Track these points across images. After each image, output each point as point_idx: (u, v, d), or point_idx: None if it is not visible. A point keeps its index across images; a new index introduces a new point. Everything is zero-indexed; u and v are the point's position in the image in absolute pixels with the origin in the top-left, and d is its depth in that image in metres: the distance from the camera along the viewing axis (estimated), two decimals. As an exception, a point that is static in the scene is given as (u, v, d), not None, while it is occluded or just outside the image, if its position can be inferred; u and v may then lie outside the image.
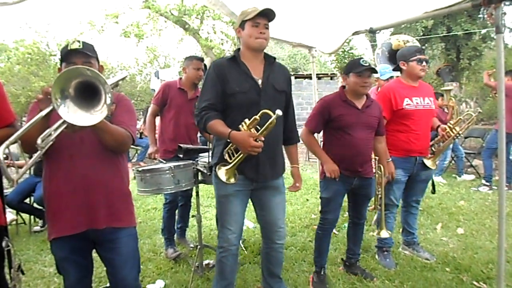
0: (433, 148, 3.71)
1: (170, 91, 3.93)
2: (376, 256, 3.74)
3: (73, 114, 1.70)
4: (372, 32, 4.49)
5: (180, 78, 4.04)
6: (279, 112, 2.23)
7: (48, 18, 26.68)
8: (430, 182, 3.99)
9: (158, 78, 11.37)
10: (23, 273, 2.37)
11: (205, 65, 4.04)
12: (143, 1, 13.91)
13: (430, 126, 3.61)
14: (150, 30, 14.70)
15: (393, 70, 4.02)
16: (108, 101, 1.71)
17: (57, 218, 2.07)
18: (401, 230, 3.98)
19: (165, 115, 3.99)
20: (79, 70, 1.72)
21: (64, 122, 1.73)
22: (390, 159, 3.42)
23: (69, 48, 2.02)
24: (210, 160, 2.77)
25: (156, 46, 17.47)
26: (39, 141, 1.73)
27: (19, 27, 15.90)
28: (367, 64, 2.99)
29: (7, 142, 1.70)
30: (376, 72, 3.17)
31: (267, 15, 2.49)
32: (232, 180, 2.46)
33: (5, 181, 2.23)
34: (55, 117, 1.74)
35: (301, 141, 3.10)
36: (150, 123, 4.13)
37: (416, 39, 6.08)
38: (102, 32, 14.22)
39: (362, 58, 3.13)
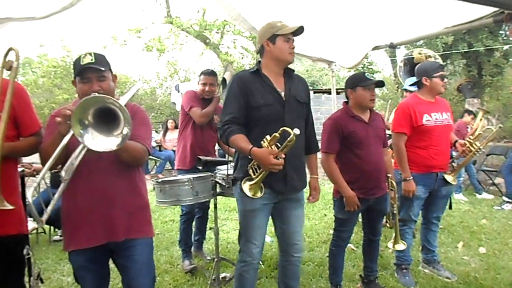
0: (453, 164, 3.65)
1: (197, 99, 3.96)
2: (395, 274, 3.67)
3: (96, 139, 1.75)
4: (392, 47, 4.48)
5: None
6: (296, 131, 2.19)
7: (70, 33, 27.22)
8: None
9: (178, 91, 11.49)
10: (42, 282, 2.41)
11: (224, 79, 4.05)
12: (165, 16, 14.19)
13: (449, 141, 3.57)
14: (172, 45, 14.93)
15: (412, 85, 3.97)
16: (128, 126, 1.75)
17: (76, 231, 2.09)
18: (420, 248, 3.91)
19: (186, 124, 4.01)
20: (94, 99, 1.75)
21: (84, 147, 1.80)
22: (411, 177, 3.38)
23: (81, 62, 2.03)
24: (232, 173, 2.75)
25: (177, 60, 17.73)
26: (62, 173, 1.83)
27: (41, 44, 16.36)
28: (373, 78, 3.00)
29: (37, 181, 1.83)
30: (382, 85, 3.18)
31: (298, 32, 2.54)
32: (259, 194, 2.41)
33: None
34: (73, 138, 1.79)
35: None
36: (204, 113, 3.87)
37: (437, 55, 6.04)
38: (124, 46, 14.52)
39: (365, 72, 3.15)
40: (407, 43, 5.04)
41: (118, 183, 2.09)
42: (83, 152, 1.86)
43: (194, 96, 3.96)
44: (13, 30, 3.40)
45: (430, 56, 5.38)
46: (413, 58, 5.46)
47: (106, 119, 1.77)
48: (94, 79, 2.02)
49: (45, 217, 1.90)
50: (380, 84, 3.11)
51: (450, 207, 4.18)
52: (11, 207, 1.94)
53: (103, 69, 2.04)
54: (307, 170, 2.80)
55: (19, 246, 2.16)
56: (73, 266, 2.18)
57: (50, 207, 1.89)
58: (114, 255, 2.21)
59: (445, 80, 3.45)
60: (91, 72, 2.02)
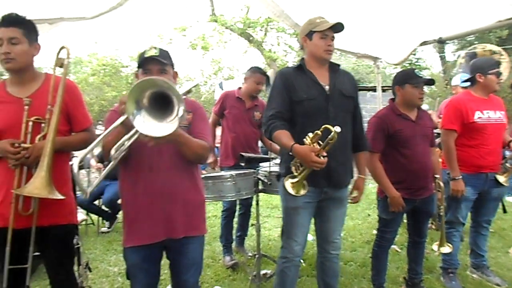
0: (506, 165, 3.46)
1: (228, 100, 4.01)
2: (441, 278, 3.54)
3: (148, 123, 1.71)
4: (441, 42, 4.32)
5: (240, 88, 4.10)
6: (337, 129, 2.15)
7: (118, 32, 28.23)
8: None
9: (222, 89, 11.62)
10: (90, 271, 2.51)
11: (267, 77, 4.07)
12: (210, 15, 14.38)
13: (502, 141, 3.40)
14: (216, 43, 15.12)
15: (465, 81, 3.79)
16: (181, 113, 1.69)
17: (135, 227, 2.11)
18: (469, 251, 3.75)
19: (224, 124, 4.08)
20: (153, 81, 1.72)
21: (136, 131, 1.78)
22: (460, 176, 3.25)
23: (145, 55, 2.06)
24: (272, 169, 2.75)
25: (221, 58, 17.93)
26: (112, 151, 1.84)
27: (95, 42, 17.23)
28: (422, 76, 2.90)
29: (85, 151, 1.90)
30: (433, 83, 3.07)
31: (337, 28, 2.49)
32: (302, 192, 2.38)
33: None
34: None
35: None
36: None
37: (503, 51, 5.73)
38: (170, 44, 14.85)
39: (415, 69, 3.05)
40: (457, 38, 4.86)
41: (178, 180, 2.10)
42: (135, 136, 1.83)
43: (221, 100, 4.07)
44: (65, 30, 3.56)
45: (495, 52, 5.12)
46: (476, 54, 5.22)
47: (161, 105, 1.73)
48: (154, 71, 2.04)
49: (90, 189, 2.00)
50: (430, 82, 3.01)
51: (505, 211, 3.95)
52: (61, 197, 2.02)
53: (165, 61, 2.07)
54: (354, 168, 2.74)
55: (69, 235, 2.26)
56: (127, 263, 2.19)
57: (97, 180, 1.96)
58: (168, 250, 2.22)
59: (500, 77, 3.28)
60: (152, 63, 2.05)
